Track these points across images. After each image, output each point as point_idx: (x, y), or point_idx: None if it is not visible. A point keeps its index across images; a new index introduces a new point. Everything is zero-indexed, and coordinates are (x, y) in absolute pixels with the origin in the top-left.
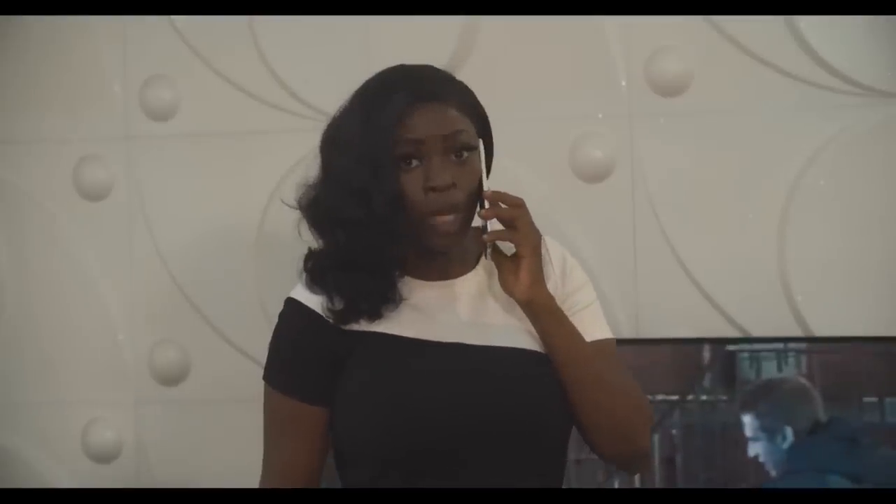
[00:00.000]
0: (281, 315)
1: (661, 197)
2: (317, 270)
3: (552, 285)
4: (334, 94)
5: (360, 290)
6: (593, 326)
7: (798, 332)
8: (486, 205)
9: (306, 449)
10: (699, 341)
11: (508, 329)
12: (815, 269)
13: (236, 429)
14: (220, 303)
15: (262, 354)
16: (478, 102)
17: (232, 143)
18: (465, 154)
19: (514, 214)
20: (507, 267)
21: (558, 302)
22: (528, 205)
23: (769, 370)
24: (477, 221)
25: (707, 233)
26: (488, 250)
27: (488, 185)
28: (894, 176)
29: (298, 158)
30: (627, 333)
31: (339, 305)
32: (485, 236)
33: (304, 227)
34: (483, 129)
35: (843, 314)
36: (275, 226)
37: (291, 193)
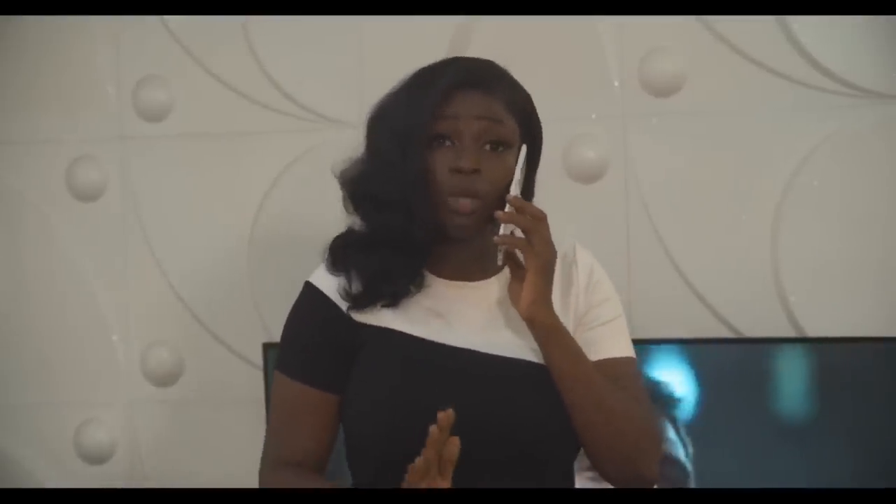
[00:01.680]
0: (297, 301)
1: (654, 197)
2: (341, 249)
3: (574, 295)
4: (328, 95)
5: (383, 271)
6: (611, 343)
7: (791, 333)
8: (507, 208)
9: (318, 436)
10: (692, 342)
11: (520, 340)
12: (808, 269)
13: (230, 429)
14: (214, 303)
15: (256, 355)
16: (530, 108)
17: (226, 144)
18: (501, 149)
19: (531, 226)
20: (517, 277)
21: (579, 313)
22: None
23: None
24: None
25: (700, 233)
26: (500, 254)
27: (518, 191)
28: (888, 176)
29: (292, 159)
30: None
31: (356, 289)
32: (496, 238)
33: (345, 204)
34: (530, 135)
35: (836, 315)
36: (268, 226)
37: (284, 194)
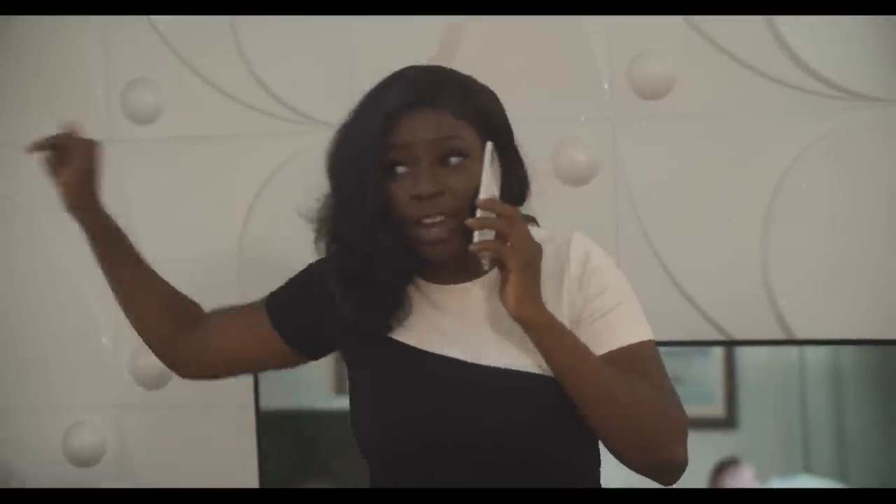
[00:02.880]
0: (302, 270)
1: (643, 200)
2: (329, 280)
3: (566, 290)
4: (317, 98)
5: (366, 307)
6: (614, 333)
7: (781, 335)
8: (478, 213)
9: (239, 337)
10: (682, 344)
11: (509, 346)
12: (797, 272)
13: (218, 432)
14: (203, 306)
15: None
16: (486, 107)
17: (215, 147)
18: (457, 160)
19: (502, 226)
20: (504, 279)
21: (576, 309)
22: None
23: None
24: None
25: (690, 236)
26: (485, 260)
27: (490, 193)
28: (876, 179)
29: (281, 162)
30: None
31: (351, 317)
32: (471, 247)
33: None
34: (492, 131)
35: (825, 317)
36: (258, 228)
37: (274, 196)
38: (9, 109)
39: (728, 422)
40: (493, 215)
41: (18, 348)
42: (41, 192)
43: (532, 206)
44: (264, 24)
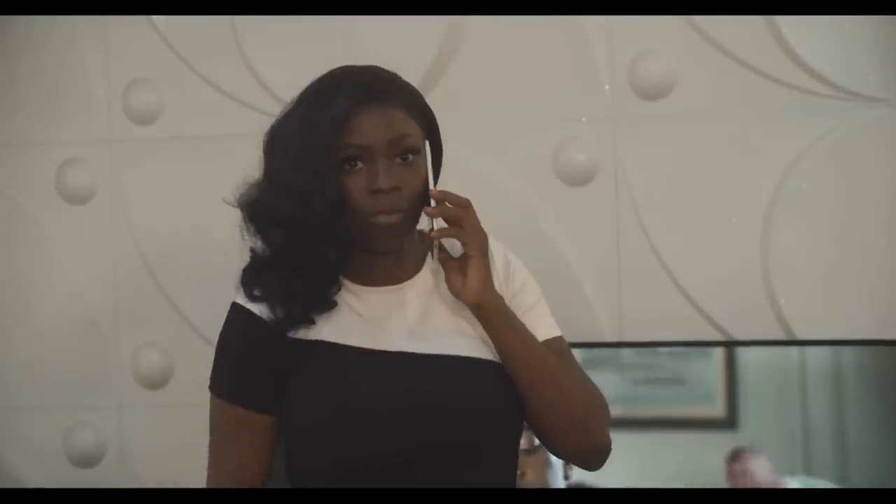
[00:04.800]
0: (226, 322)
1: (644, 200)
2: (253, 275)
3: (497, 287)
4: None
5: (293, 295)
6: (541, 326)
7: (781, 336)
8: (433, 203)
9: (253, 455)
10: (682, 344)
11: (454, 335)
12: (798, 272)
13: None
14: (203, 306)
15: None
16: (423, 102)
17: (215, 147)
18: (411, 157)
19: (461, 214)
20: (453, 269)
21: (506, 301)
22: (512, 208)
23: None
24: (422, 224)
25: (690, 236)
26: (434, 250)
27: (434, 184)
28: (876, 179)
29: None
30: (610, 336)
31: (279, 314)
32: (432, 233)
33: (246, 229)
34: (429, 128)
35: (825, 317)
36: None
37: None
38: (9, 109)
39: (728, 422)
40: (448, 205)
41: (18, 348)
42: (41, 192)
43: (532, 205)
44: (264, 24)
